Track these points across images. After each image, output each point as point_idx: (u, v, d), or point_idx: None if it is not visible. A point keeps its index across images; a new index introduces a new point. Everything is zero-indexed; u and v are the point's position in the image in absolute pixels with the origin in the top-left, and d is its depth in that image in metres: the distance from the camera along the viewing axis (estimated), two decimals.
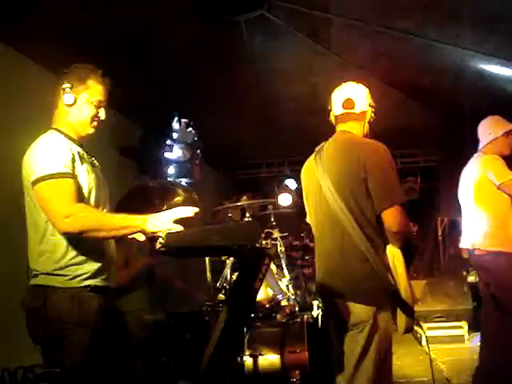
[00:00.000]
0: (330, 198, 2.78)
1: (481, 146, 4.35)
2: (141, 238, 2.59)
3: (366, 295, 2.72)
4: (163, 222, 2.34)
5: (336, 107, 3.00)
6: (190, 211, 2.38)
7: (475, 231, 4.27)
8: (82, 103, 2.57)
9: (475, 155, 4.38)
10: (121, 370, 2.63)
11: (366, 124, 2.99)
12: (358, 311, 2.72)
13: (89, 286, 2.45)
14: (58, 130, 2.55)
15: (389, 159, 2.76)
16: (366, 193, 2.70)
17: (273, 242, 5.12)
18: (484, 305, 4.50)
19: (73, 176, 2.42)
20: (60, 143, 2.49)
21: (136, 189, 4.19)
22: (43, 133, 2.54)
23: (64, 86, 2.55)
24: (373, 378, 2.68)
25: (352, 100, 2.95)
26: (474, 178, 4.26)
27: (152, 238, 2.52)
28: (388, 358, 2.79)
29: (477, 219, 4.27)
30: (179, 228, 2.33)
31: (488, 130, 4.32)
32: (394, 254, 2.73)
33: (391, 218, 2.66)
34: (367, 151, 2.76)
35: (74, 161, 2.46)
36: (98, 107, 2.61)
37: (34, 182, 2.36)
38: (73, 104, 2.56)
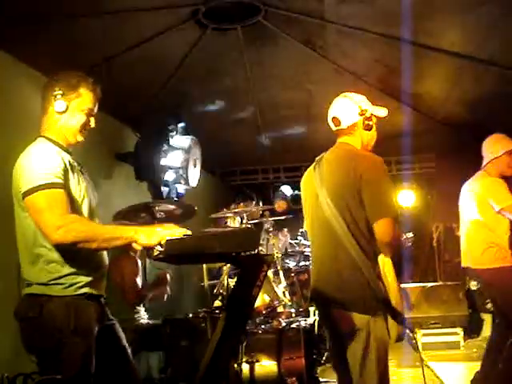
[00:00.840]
0: (326, 208, 2.82)
1: (484, 163, 4.37)
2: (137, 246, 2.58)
3: (360, 303, 2.73)
4: (156, 235, 2.31)
5: (335, 118, 3.04)
6: (180, 233, 2.33)
7: (476, 249, 4.28)
8: (73, 111, 2.53)
9: (478, 173, 4.40)
10: (119, 378, 2.62)
11: (364, 132, 3.00)
12: (353, 319, 2.73)
13: (85, 293, 2.43)
14: (48, 139, 2.52)
15: (385, 172, 2.79)
16: (360, 204, 2.74)
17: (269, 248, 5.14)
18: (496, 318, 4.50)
19: (64, 186, 2.40)
20: (51, 153, 2.45)
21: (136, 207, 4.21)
22: (32, 141, 2.51)
23: (55, 92, 2.50)
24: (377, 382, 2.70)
25: (337, 118, 3.00)
26: (476, 197, 4.29)
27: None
28: (387, 364, 2.80)
29: (477, 236, 4.29)
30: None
31: (490, 148, 4.35)
32: (384, 263, 2.76)
33: (383, 229, 2.68)
34: (364, 164, 2.78)
35: (65, 170, 2.43)
36: (88, 115, 2.58)
37: (26, 193, 2.33)
38: (64, 112, 2.52)
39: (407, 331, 2.91)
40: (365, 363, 2.71)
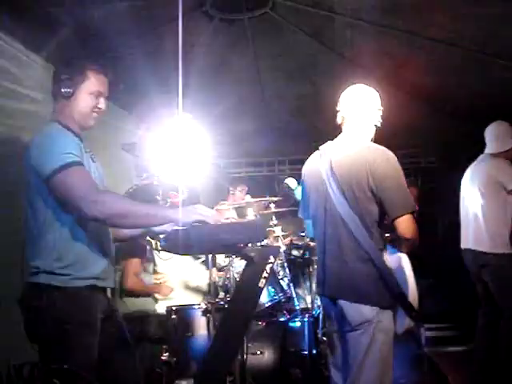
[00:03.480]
0: (336, 200, 2.80)
1: (493, 150, 4.36)
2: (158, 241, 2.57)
3: (370, 295, 2.74)
4: (195, 214, 2.28)
5: (345, 109, 3.02)
6: (213, 219, 2.30)
7: (480, 231, 4.30)
8: (81, 94, 2.53)
9: (483, 156, 4.39)
10: (120, 369, 2.61)
11: (373, 127, 3.01)
12: (362, 311, 2.74)
13: (90, 285, 2.44)
14: (61, 123, 2.51)
15: (399, 168, 2.80)
16: (370, 198, 2.74)
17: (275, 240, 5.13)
18: (483, 304, 4.54)
19: (85, 167, 2.39)
20: (67, 135, 2.45)
21: (140, 187, 4.19)
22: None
23: (62, 77, 2.50)
24: (377, 377, 2.70)
25: (359, 104, 2.98)
26: (483, 179, 4.29)
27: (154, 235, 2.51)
28: (389, 358, 2.81)
29: (482, 220, 4.30)
30: (210, 219, 2.27)
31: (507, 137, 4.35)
32: (401, 257, 2.77)
33: (405, 225, 2.71)
34: (378, 158, 2.79)
35: (81, 155, 2.43)
36: (97, 97, 2.57)
37: (52, 174, 2.30)
38: (72, 95, 2.51)
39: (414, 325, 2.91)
40: (368, 355, 2.73)
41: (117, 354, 2.58)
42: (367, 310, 2.73)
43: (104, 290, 2.55)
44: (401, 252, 2.87)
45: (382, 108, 3.05)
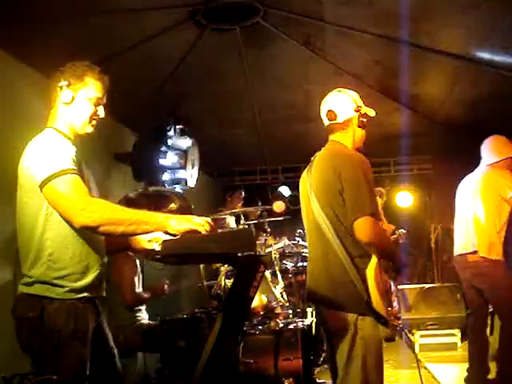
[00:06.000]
0: (315, 209, 2.85)
1: (491, 160, 4.42)
2: (151, 244, 2.56)
3: (347, 302, 2.75)
4: (187, 222, 2.28)
5: (323, 119, 3.05)
6: (203, 228, 2.30)
7: (475, 239, 4.34)
8: (80, 101, 2.50)
9: (482, 167, 4.45)
10: (100, 377, 2.58)
11: (357, 130, 3.00)
12: (341, 318, 2.73)
13: (84, 297, 2.42)
14: (57, 130, 2.48)
15: (363, 170, 2.77)
16: (342, 203, 2.74)
17: (267, 249, 5.13)
18: (475, 310, 4.57)
19: (80, 175, 2.36)
20: (63, 143, 2.43)
21: (132, 196, 4.19)
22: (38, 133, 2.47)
23: (61, 83, 2.48)
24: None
25: (333, 111, 2.99)
26: (480, 188, 4.34)
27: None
28: (378, 365, 2.79)
29: (477, 227, 4.34)
30: (202, 229, 2.27)
31: (504, 148, 4.42)
32: (371, 262, 2.74)
33: (361, 228, 2.67)
34: (342, 163, 2.81)
35: (76, 162, 2.40)
36: (96, 105, 2.54)
37: (45, 181, 2.28)
38: (70, 102, 2.49)
39: (406, 331, 2.91)
40: (350, 363, 2.71)
41: (100, 363, 2.53)
42: (345, 318, 2.73)
43: (95, 300, 2.54)
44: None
45: (361, 106, 2.99)
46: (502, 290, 4.28)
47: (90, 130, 2.57)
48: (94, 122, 2.57)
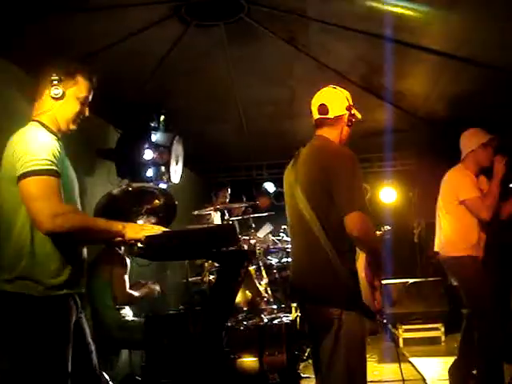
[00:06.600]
0: (300, 204, 2.84)
1: (461, 157, 4.45)
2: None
3: (330, 296, 2.76)
4: (143, 230, 2.39)
5: (313, 113, 3.06)
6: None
7: (442, 237, 4.40)
8: (68, 98, 2.52)
9: (455, 166, 4.48)
10: (82, 375, 2.55)
11: (345, 127, 3.03)
12: (325, 314, 2.74)
13: (65, 294, 2.41)
14: (41, 124, 2.48)
15: (352, 165, 2.78)
16: (329, 198, 2.75)
17: (251, 244, 5.15)
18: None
19: (59, 175, 2.36)
20: (47, 138, 2.42)
21: (115, 193, 4.18)
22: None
23: (52, 78, 2.48)
24: (345, 380, 2.70)
25: (326, 106, 3.01)
26: (446, 188, 4.40)
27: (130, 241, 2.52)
28: (361, 360, 2.81)
29: (443, 226, 4.40)
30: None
31: (466, 142, 4.42)
32: (358, 258, 2.78)
33: (351, 222, 2.67)
34: (331, 157, 2.82)
35: (59, 159, 2.40)
36: (83, 104, 2.57)
37: (21, 177, 2.28)
38: (60, 98, 2.50)
39: (389, 326, 2.93)
40: (333, 359, 2.72)
41: (77, 359, 2.49)
42: (329, 312, 2.73)
43: (75, 295, 2.53)
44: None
45: (351, 107, 3.03)
46: (470, 291, 4.28)
47: (72, 127, 2.59)
48: (78, 121, 2.59)
